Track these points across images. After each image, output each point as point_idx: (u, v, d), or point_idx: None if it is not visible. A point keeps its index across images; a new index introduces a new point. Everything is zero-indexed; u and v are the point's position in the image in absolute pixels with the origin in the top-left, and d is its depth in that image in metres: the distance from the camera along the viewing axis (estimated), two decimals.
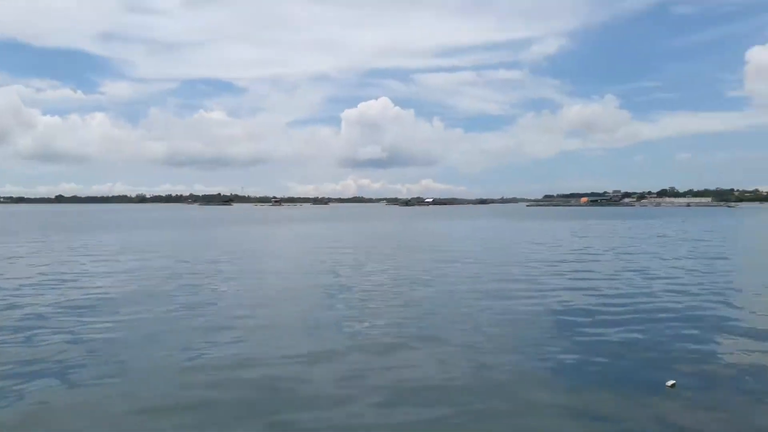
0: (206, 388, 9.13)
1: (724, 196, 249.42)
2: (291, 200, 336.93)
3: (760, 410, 8.21)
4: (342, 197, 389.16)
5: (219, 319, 14.25)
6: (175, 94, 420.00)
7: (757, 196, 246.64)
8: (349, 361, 10.65)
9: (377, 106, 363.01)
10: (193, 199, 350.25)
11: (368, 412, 8.20)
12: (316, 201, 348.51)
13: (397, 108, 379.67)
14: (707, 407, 8.31)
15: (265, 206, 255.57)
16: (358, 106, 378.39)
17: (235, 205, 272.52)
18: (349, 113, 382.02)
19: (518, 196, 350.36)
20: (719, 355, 11.12)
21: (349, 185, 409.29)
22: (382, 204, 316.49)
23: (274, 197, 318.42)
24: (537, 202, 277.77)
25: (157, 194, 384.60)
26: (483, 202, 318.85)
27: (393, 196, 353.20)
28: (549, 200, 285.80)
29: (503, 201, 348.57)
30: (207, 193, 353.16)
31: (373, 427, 7.67)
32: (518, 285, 19.90)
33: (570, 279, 21.61)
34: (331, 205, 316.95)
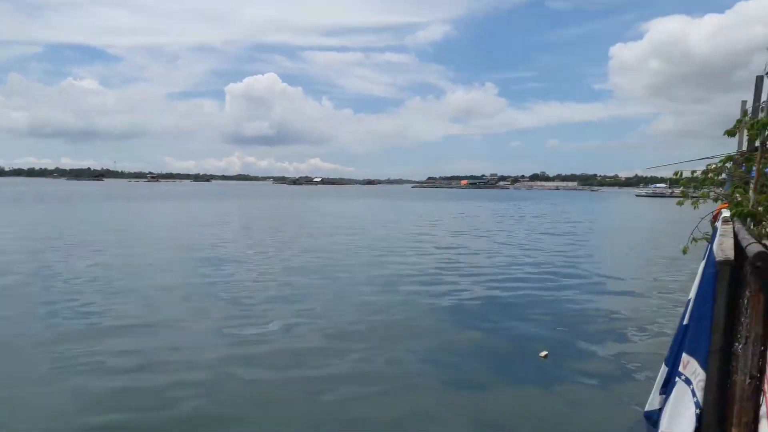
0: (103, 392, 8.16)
1: (588, 181, 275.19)
2: (170, 176, 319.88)
3: (625, 374, 8.81)
4: (226, 174, 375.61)
5: (99, 315, 12.90)
6: (40, 59, 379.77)
7: (616, 181, 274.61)
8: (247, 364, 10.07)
9: (264, 82, 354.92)
10: (59, 173, 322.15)
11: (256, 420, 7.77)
12: (198, 178, 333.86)
13: (285, 85, 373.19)
14: (577, 375, 8.77)
15: (141, 182, 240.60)
16: (244, 80, 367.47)
17: (107, 181, 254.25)
18: (234, 87, 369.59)
19: (404, 178, 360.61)
20: (587, 323, 11.85)
21: (234, 162, 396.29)
22: (269, 182, 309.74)
23: (150, 173, 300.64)
24: (421, 184, 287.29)
25: (17, 167, 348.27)
26: (370, 182, 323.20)
27: (280, 175, 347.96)
28: (432, 182, 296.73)
29: (390, 182, 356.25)
30: (75, 168, 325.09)
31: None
32: (399, 262, 20.15)
33: (450, 255, 22.19)
34: (214, 182, 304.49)
